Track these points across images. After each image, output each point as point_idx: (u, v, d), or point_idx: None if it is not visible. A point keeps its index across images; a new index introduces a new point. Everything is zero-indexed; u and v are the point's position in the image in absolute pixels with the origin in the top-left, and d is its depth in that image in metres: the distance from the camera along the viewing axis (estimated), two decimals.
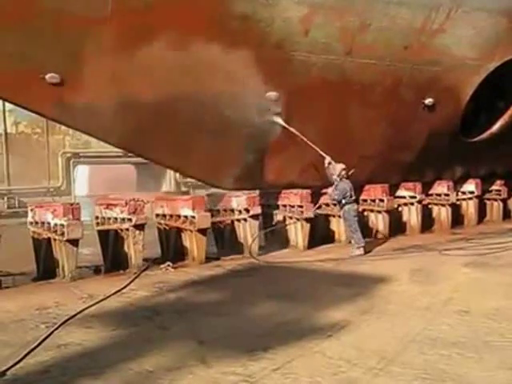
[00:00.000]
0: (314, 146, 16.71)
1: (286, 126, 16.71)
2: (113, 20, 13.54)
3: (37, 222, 15.52)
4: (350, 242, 17.40)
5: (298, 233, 17.88)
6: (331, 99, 16.88)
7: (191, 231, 15.87)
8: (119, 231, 15.52)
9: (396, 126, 18.42)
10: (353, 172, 16.54)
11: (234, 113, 15.98)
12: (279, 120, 16.70)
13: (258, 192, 17.22)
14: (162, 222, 17.09)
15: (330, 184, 16.94)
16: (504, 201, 24.11)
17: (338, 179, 16.48)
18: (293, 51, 15.80)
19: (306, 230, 17.72)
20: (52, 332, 9.02)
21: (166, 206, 16.87)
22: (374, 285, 11.96)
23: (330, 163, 16.75)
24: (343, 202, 16.54)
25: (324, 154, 16.79)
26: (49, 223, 14.76)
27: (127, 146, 17.20)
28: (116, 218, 15.52)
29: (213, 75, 15.18)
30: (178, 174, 33.88)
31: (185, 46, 14.54)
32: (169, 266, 14.94)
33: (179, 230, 16.46)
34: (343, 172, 16.48)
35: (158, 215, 17.23)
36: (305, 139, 16.66)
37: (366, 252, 16.42)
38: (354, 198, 16.84)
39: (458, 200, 22.09)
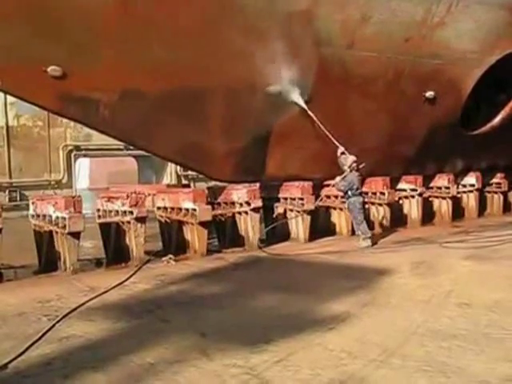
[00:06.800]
0: (328, 134, 16.73)
1: (306, 108, 16.73)
2: (116, 11, 13.56)
3: (38, 215, 15.56)
4: (353, 234, 17.48)
5: (299, 225, 17.90)
6: (332, 92, 16.89)
7: (192, 224, 15.90)
8: (121, 224, 15.57)
9: (397, 118, 18.44)
10: (363, 166, 16.55)
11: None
12: (301, 101, 16.73)
13: (258, 185, 17.21)
14: (164, 214, 17.13)
15: (334, 177, 16.96)
16: (504, 194, 24.14)
17: (348, 170, 16.48)
18: (294, 44, 15.82)
19: (307, 222, 17.75)
20: (54, 325, 9.05)
21: (168, 199, 16.91)
22: (376, 277, 11.98)
23: (343, 153, 16.77)
24: (349, 193, 16.55)
25: (338, 144, 16.80)
26: (50, 216, 14.79)
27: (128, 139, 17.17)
28: (117, 211, 15.56)
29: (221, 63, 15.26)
30: (178, 167, 33.81)
31: (189, 35, 14.57)
32: (170, 258, 14.95)
33: (180, 223, 16.49)
34: (354, 164, 16.48)
35: (159, 208, 17.28)
36: (321, 125, 16.68)
37: (374, 243, 16.49)
38: (360, 190, 16.87)
39: (458, 193, 22.11)
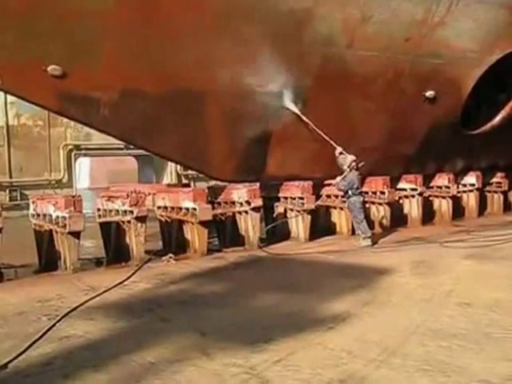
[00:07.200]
0: (324, 135, 16.73)
1: (299, 113, 16.75)
2: (116, 10, 13.56)
3: (39, 215, 15.57)
4: (354, 234, 17.49)
5: (299, 225, 17.91)
6: (332, 91, 16.89)
7: (193, 223, 15.91)
8: (121, 223, 15.57)
9: (397, 118, 18.43)
10: (363, 165, 16.53)
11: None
12: (292, 106, 16.75)
13: (258, 184, 17.21)
14: (164, 214, 17.13)
15: (334, 176, 16.96)
16: (504, 193, 24.14)
17: (348, 170, 16.48)
18: (295, 43, 15.82)
19: (307, 221, 17.75)
20: (54, 324, 9.05)
21: (168, 199, 16.92)
22: (376, 277, 11.98)
23: (341, 153, 16.77)
24: (349, 193, 16.55)
25: (335, 145, 16.80)
26: (50, 215, 14.80)
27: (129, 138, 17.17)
28: (118, 211, 15.57)
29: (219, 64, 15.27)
30: (178, 166, 33.84)
31: (190, 35, 14.57)
32: (170, 258, 14.95)
33: (181, 223, 16.50)
34: (353, 163, 16.48)
35: (159, 207, 17.29)
36: (316, 128, 16.69)
37: (374, 243, 16.50)
38: (360, 190, 16.87)
39: (458, 192, 22.10)
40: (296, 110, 16.76)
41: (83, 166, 49.63)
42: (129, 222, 15.21)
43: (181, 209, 16.33)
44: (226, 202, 17.41)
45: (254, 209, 16.73)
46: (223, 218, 17.67)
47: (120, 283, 12.14)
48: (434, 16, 17.10)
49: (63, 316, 9.52)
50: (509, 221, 20.84)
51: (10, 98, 29.99)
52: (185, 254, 16.02)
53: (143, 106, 15.00)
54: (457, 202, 22.30)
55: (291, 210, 18.16)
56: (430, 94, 18.62)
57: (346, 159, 16.56)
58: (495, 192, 24.03)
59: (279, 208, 18.68)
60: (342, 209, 18.43)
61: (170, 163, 34.23)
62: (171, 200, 16.80)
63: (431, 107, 18.84)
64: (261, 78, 16.08)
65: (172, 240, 16.90)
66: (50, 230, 14.96)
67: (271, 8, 15.06)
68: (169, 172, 36.98)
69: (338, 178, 16.70)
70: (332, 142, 16.78)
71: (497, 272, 12.27)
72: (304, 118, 16.76)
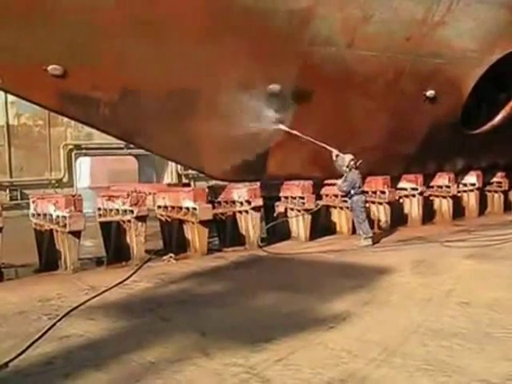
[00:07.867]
0: (319, 142, 16.73)
1: (290, 130, 16.78)
2: (116, 10, 13.55)
3: (39, 214, 15.55)
4: (354, 233, 17.49)
5: (299, 224, 17.91)
6: (333, 91, 16.89)
7: (193, 223, 15.90)
8: (121, 223, 15.56)
9: (397, 117, 18.42)
10: (361, 162, 16.51)
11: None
12: (282, 126, 16.79)
13: (259, 184, 17.21)
14: (164, 213, 17.13)
15: (334, 176, 16.95)
16: (505, 193, 24.13)
17: (348, 170, 16.47)
18: (295, 43, 15.80)
19: (308, 221, 17.74)
20: (55, 323, 9.05)
21: (168, 198, 16.92)
22: (376, 276, 11.98)
23: (337, 155, 16.76)
24: (352, 192, 16.55)
25: (331, 148, 16.80)
26: (51, 215, 14.78)
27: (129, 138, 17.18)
28: (118, 210, 15.57)
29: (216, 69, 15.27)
30: (179, 166, 33.83)
31: (191, 39, 14.56)
32: (171, 257, 14.96)
33: (181, 222, 16.49)
34: (352, 162, 16.46)
35: (159, 207, 17.28)
36: (310, 139, 16.70)
37: (374, 243, 16.48)
38: (362, 188, 16.87)
39: (459, 192, 22.10)
40: (286, 129, 16.83)
41: (83, 166, 49.61)
42: (129, 221, 15.21)
43: (181, 208, 16.33)
44: (226, 202, 17.42)
45: (254, 208, 16.74)
46: (223, 218, 17.67)
47: (120, 283, 12.14)
48: (435, 15, 17.09)
49: (64, 315, 9.52)
50: (509, 220, 20.85)
51: (10, 97, 29.97)
52: (185, 253, 16.02)
53: (143, 105, 14.99)
54: (457, 201, 22.30)
55: (291, 209, 18.16)
56: (430, 93, 18.62)
57: (345, 160, 16.55)
58: (495, 191, 24.04)
59: (280, 207, 18.67)
60: (342, 208, 18.45)
61: (170, 163, 34.20)
62: (171, 199, 16.80)
63: (431, 107, 18.84)
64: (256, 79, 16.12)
65: (172, 239, 16.90)
66: (51, 230, 14.94)
67: (270, 8, 15.05)
68: (169, 171, 36.95)
69: (340, 181, 16.71)
70: (327, 147, 16.78)
71: (497, 271, 12.27)
72: (295, 133, 16.80)
